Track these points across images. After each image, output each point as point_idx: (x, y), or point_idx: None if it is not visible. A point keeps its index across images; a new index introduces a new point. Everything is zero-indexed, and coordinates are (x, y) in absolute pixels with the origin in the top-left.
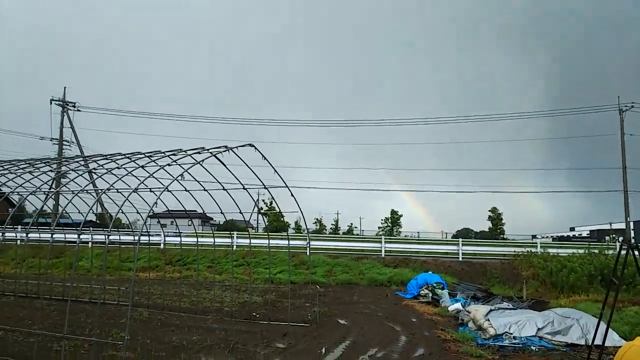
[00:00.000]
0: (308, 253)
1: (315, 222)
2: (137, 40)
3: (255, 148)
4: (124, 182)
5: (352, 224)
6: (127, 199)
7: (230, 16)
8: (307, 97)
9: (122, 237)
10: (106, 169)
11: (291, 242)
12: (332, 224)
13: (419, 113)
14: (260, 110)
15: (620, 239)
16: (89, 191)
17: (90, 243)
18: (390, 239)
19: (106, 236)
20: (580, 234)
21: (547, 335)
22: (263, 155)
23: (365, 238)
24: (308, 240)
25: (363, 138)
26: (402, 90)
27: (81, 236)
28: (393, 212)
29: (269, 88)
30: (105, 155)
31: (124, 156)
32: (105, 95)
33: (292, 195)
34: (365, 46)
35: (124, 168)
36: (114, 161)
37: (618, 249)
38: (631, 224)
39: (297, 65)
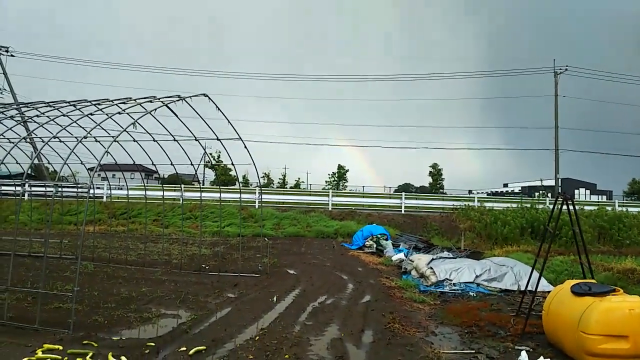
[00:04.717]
0: (257, 206)
1: (263, 176)
2: None
3: (210, 98)
4: (67, 131)
5: (299, 178)
6: (72, 150)
7: None
8: (255, 49)
9: (63, 190)
10: (48, 117)
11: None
12: (279, 178)
13: (366, 70)
14: (206, 61)
15: (549, 195)
16: (28, 140)
17: (26, 195)
18: (337, 192)
19: (55, 189)
20: (513, 190)
21: (484, 282)
22: (217, 106)
23: (313, 192)
24: (259, 193)
25: (310, 93)
26: (348, 46)
27: (18, 188)
28: (340, 167)
29: (217, 39)
30: (48, 103)
31: (68, 103)
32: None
33: (245, 147)
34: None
35: (68, 116)
36: (57, 109)
37: (554, 202)
38: (559, 180)
39: (247, 18)
